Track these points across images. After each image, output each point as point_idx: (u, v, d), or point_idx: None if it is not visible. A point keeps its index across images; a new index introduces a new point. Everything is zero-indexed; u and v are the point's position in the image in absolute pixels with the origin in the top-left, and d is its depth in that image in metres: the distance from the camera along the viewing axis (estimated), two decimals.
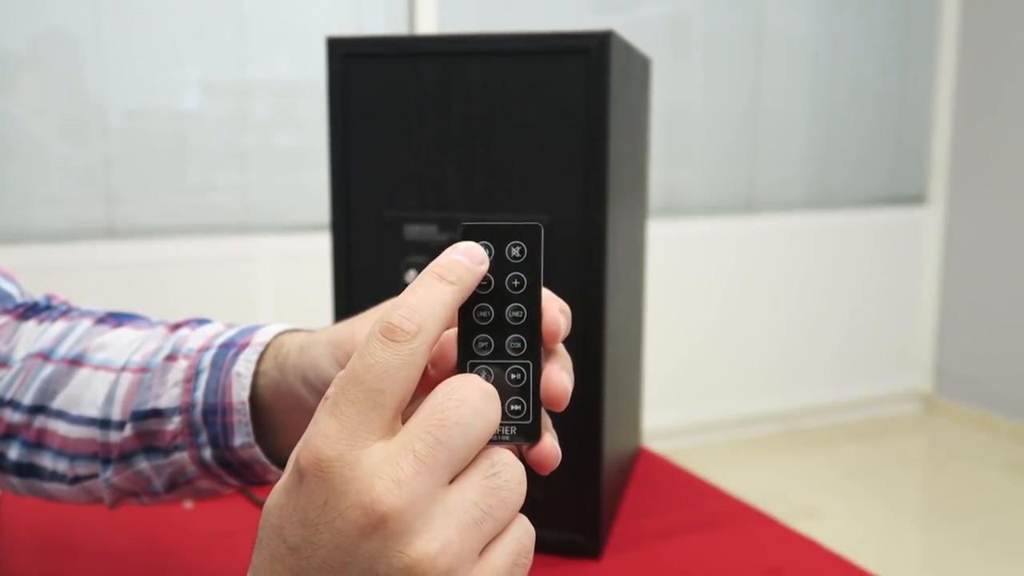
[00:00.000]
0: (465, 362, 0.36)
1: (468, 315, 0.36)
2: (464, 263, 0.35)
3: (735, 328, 3.20)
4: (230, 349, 0.54)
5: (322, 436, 0.31)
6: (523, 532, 0.34)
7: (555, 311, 0.38)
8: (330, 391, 0.33)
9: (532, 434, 0.36)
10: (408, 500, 0.30)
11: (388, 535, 0.30)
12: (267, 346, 0.53)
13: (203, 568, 0.70)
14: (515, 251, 0.36)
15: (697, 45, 3.08)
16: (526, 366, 0.36)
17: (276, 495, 0.33)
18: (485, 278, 0.36)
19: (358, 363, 0.32)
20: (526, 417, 0.35)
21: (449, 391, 0.33)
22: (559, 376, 0.37)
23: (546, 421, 0.39)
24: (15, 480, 0.57)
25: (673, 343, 3.03)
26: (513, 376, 0.36)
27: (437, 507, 0.31)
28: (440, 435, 0.32)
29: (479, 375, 0.36)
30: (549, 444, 0.37)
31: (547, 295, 0.39)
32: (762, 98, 3.19)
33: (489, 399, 0.33)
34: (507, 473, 0.33)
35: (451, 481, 0.32)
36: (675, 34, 3.04)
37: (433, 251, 0.70)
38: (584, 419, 0.69)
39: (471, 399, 0.33)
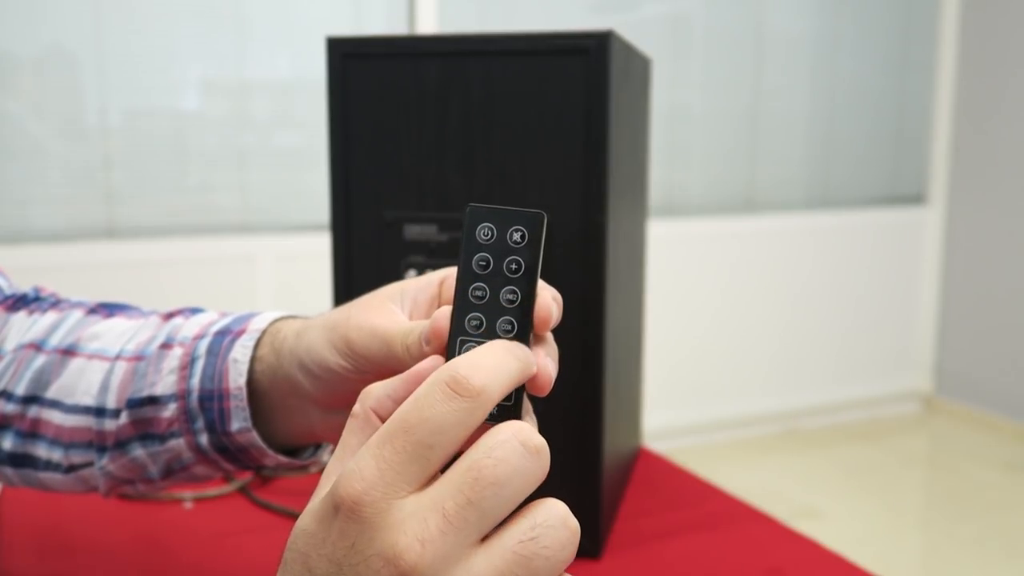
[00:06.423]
0: (456, 338, 0.37)
1: (464, 293, 0.37)
2: (529, 353, 0.36)
3: (735, 328, 3.20)
4: (226, 336, 0.54)
5: (360, 478, 0.31)
6: None
7: (548, 298, 0.39)
8: (382, 429, 0.32)
9: (513, 417, 0.36)
10: (430, 560, 0.30)
11: None
12: (263, 332, 0.54)
13: (203, 568, 0.70)
14: (516, 236, 0.37)
15: (697, 45, 3.08)
16: None
17: (306, 520, 0.33)
18: (484, 258, 0.37)
19: (414, 412, 0.32)
20: (508, 399, 0.36)
21: (489, 448, 0.31)
22: (544, 361, 0.38)
23: (527, 406, 0.39)
24: (9, 470, 0.58)
25: (673, 343, 3.03)
26: None
27: (460, 569, 0.31)
28: (472, 496, 0.31)
29: (466, 350, 0.36)
30: None
31: (541, 283, 0.39)
32: (762, 98, 3.19)
33: (532, 457, 0.32)
34: (547, 538, 0.31)
35: (484, 538, 0.31)
36: (675, 34, 3.04)
37: (433, 251, 0.70)
38: (584, 419, 0.69)
39: (511, 459, 0.31)
